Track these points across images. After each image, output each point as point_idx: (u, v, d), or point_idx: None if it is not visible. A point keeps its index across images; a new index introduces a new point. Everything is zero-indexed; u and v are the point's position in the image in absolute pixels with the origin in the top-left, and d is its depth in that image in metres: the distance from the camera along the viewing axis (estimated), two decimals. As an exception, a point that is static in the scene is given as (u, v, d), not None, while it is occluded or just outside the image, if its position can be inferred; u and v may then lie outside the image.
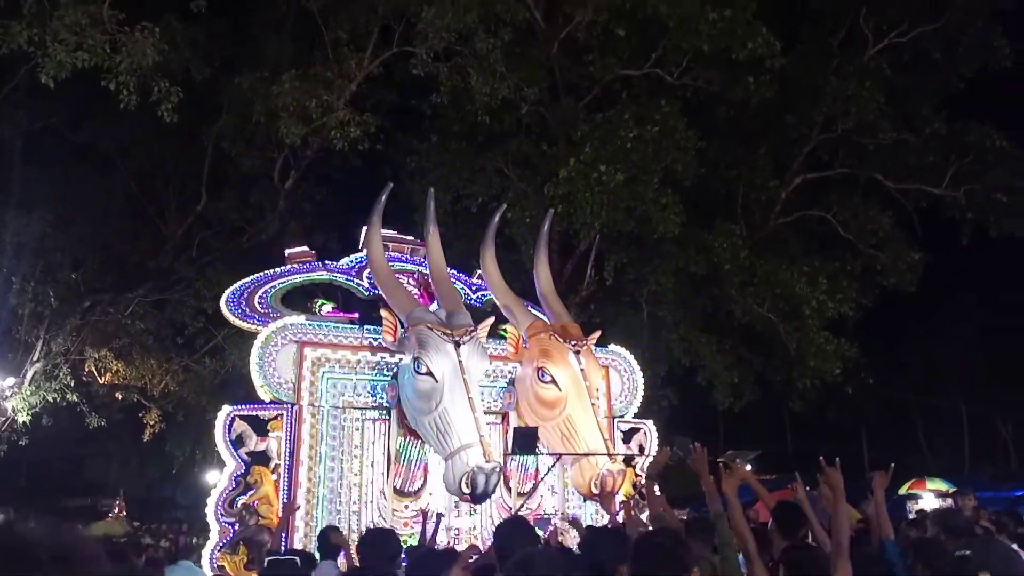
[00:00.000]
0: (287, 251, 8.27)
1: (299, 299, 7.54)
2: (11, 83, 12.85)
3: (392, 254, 8.20)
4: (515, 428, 6.67)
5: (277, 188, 14.59)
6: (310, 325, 6.60)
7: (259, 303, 7.02)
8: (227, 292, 7.19)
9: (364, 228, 7.21)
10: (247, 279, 7.40)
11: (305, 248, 8.19)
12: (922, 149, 14.89)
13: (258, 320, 6.84)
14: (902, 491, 16.05)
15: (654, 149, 12.32)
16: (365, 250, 7.18)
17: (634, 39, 13.81)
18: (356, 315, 7.05)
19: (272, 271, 7.60)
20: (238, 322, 6.94)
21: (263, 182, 15.01)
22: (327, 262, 7.84)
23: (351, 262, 7.72)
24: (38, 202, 13.95)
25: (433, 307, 6.64)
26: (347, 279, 7.55)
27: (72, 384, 15.33)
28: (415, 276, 7.75)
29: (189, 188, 16.05)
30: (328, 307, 7.28)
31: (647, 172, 12.36)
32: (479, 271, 7.98)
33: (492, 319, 6.65)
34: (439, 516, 6.09)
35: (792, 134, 15.27)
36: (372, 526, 6.21)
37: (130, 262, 15.84)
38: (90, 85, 10.68)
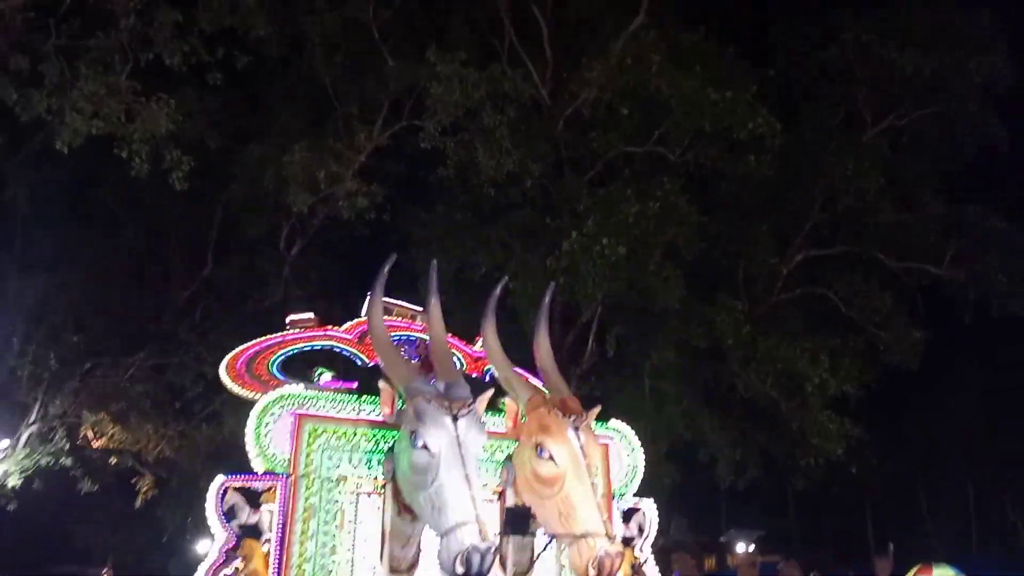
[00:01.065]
0: (290, 317, 8.30)
1: (300, 367, 7.53)
2: (26, 148, 13.13)
3: (394, 320, 8.23)
4: (508, 508, 6.54)
5: (283, 255, 14.76)
6: (308, 396, 6.55)
7: (258, 371, 7.00)
8: (227, 358, 7.18)
9: (367, 296, 7.24)
10: (248, 344, 7.40)
11: (309, 315, 8.23)
12: (922, 229, 15.07)
13: (257, 388, 6.80)
14: (909, 577, 15.60)
15: (656, 224, 12.47)
16: (366, 318, 7.20)
17: (637, 117, 14.14)
18: (355, 384, 7.02)
19: (273, 337, 7.60)
20: (237, 389, 6.91)
21: (269, 249, 15.19)
22: (330, 328, 7.86)
23: (353, 328, 7.73)
24: (43, 263, 14.08)
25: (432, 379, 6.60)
26: (347, 348, 7.55)
27: (67, 448, 15.17)
28: (415, 344, 7.74)
29: (196, 253, 16.23)
30: (328, 376, 7.25)
31: (649, 246, 12.49)
32: (480, 340, 7.97)
33: (491, 391, 6.59)
34: None
35: (793, 211, 15.48)
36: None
37: (133, 325, 15.87)
38: (103, 150, 10.92)
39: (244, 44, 12.02)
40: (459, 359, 7.79)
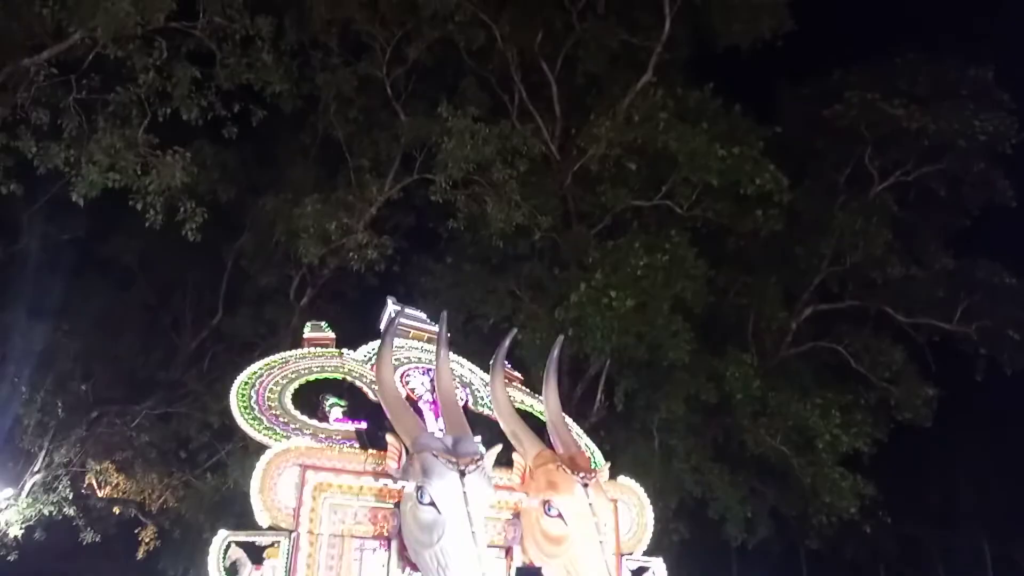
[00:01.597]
0: (306, 335, 8.24)
1: (310, 393, 7.36)
2: (43, 199, 13.33)
3: (411, 341, 8.22)
4: (517, 569, 6.41)
5: (292, 305, 14.81)
6: (314, 448, 6.50)
7: (268, 404, 6.89)
8: (237, 382, 7.06)
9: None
10: (258, 366, 7.31)
11: (325, 332, 8.19)
12: (931, 284, 15.04)
13: (265, 428, 6.69)
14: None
15: (664, 277, 12.50)
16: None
17: (645, 172, 14.29)
18: (364, 424, 6.92)
19: (285, 358, 7.54)
20: (243, 423, 6.75)
21: (279, 299, 15.26)
22: (345, 351, 7.80)
23: (368, 353, 7.68)
24: (53, 312, 14.15)
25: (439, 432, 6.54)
26: (360, 381, 7.42)
27: (70, 497, 15.04)
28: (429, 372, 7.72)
29: (206, 302, 16.32)
30: (339, 411, 7.14)
31: (657, 299, 12.49)
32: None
33: (499, 447, 6.53)
34: None
35: (801, 265, 15.49)
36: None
37: (141, 373, 15.88)
38: (117, 201, 11.07)
39: (260, 99, 12.28)
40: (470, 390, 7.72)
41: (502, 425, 7.33)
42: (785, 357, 15.28)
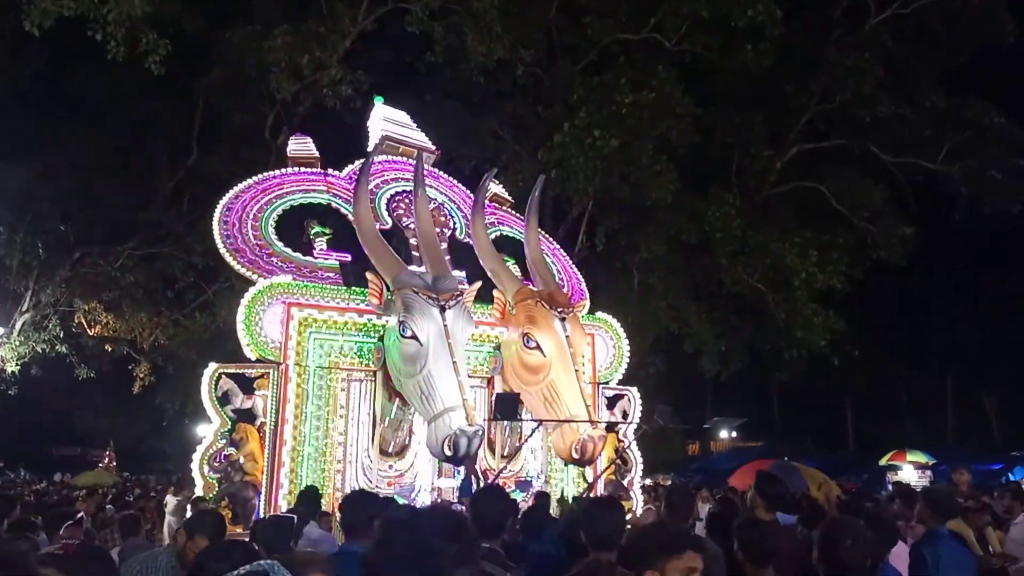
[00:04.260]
0: (290, 148, 8.13)
1: (294, 219, 7.34)
2: (-2, 32, 12.61)
3: (398, 159, 8.21)
4: (497, 394, 6.71)
5: (268, 143, 14.45)
6: (298, 286, 6.58)
7: (253, 233, 6.92)
8: (221, 205, 7.07)
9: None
10: (243, 187, 7.29)
11: (309, 146, 8.10)
12: (919, 123, 14.81)
13: (248, 261, 6.75)
14: (882, 462, 16.29)
15: (650, 115, 12.23)
16: (352, 213, 7.07)
17: (633, 3, 13.63)
18: (349, 258, 6.98)
19: (270, 178, 7.50)
20: (229, 257, 6.79)
21: (254, 137, 14.85)
22: (329, 173, 7.77)
23: (352, 174, 7.66)
24: (25, 152, 13.77)
25: (420, 269, 6.62)
26: (346, 206, 7.40)
27: (61, 335, 15.35)
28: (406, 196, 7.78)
29: (180, 142, 15.88)
30: (323, 241, 7.16)
31: (642, 138, 12.30)
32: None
33: (479, 284, 6.65)
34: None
35: (789, 104, 15.18)
36: (356, 485, 6.29)
37: (120, 215, 15.71)
38: (77, 35, 10.48)
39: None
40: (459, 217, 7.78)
41: (483, 263, 7.45)
42: (768, 197, 15.31)
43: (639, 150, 12.31)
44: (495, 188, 9.22)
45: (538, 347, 6.70)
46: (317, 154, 8.07)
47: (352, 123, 14.41)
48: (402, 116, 9.02)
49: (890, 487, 11.61)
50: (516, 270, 7.71)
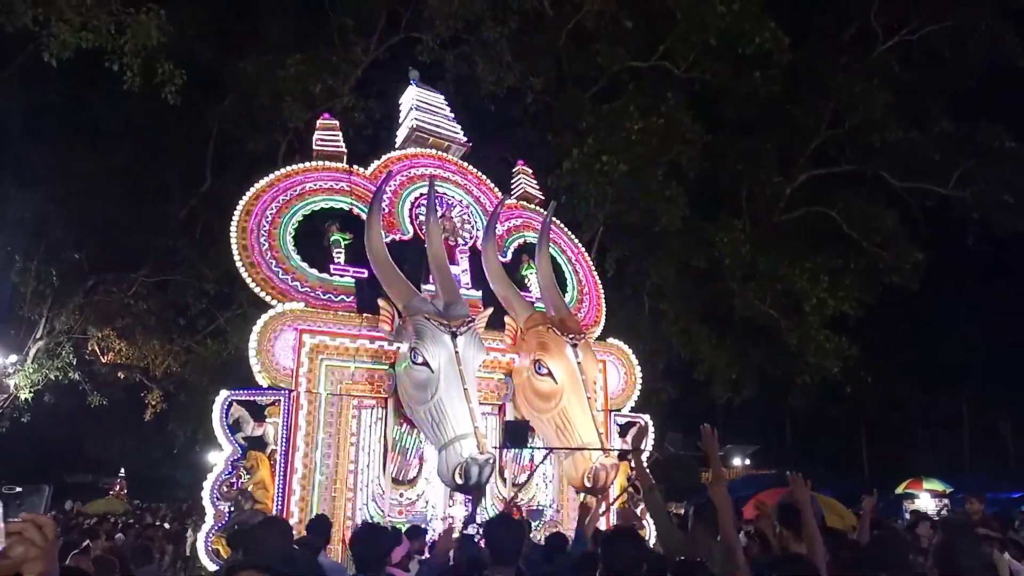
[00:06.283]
0: (316, 137, 7.82)
1: (316, 221, 7.28)
2: (15, 62, 12.81)
3: (427, 153, 8.21)
4: (506, 422, 6.68)
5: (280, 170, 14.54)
6: (309, 312, 6.60)
7: (270, 243, 6.86)
8: (239, 208, 6.99)
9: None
10: (264, 184, 7.21)
11: (336, 136, 7.94)
12: (929, 148, 14.81)
13: (263, 278, 6.71)
14: (899, 490, 16.07)
15: (659, 141, 12.29)
16: (365, 239, 7.04)
17: (642, 30, 13.75)
18: (365, 273, 6.94)
19: (293, 175, 7.43)
20: (244, 271, 6.72)
21: (267, 164, 14.95)
22: (353, 171, 7.70)
23: (377, 173, 7.62)
24: (40, 180, 13.92)
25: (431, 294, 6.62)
26: (367, 208, 7.30)
27: (74, 363, 15.40)
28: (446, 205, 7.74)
29: (193, 169, 16.03)
30: (341, 252, 7.12)
31: (651, 164, 12.35)
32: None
33: (490, 310, 6.65)
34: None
35: (799, 130, 15.22)
36: (367, 514, 6.25)
37: (133, 242, 15.82)
38: (93, 64, 10.64)
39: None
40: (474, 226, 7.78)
41: (494, 289, 7.45)
42: (778, 222, 15.30)
43: (649, 176, 12.35)
44: (525, 185, 9.21)
45: (550, 374, 6.67)
46: (343, 147, 7.91)
47: (364, 151, 14.57)
48: (437, 100, 8.92)
49: (907, 515, 11.44)
50: (530, 295, 7.71)
